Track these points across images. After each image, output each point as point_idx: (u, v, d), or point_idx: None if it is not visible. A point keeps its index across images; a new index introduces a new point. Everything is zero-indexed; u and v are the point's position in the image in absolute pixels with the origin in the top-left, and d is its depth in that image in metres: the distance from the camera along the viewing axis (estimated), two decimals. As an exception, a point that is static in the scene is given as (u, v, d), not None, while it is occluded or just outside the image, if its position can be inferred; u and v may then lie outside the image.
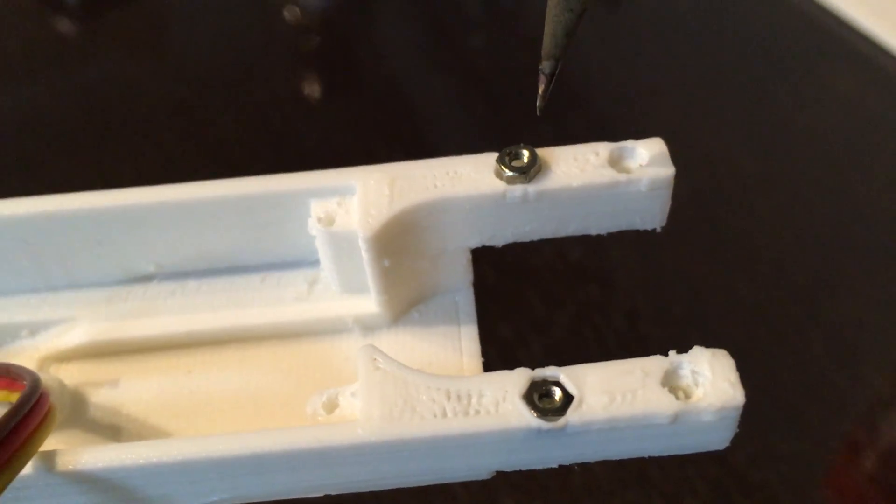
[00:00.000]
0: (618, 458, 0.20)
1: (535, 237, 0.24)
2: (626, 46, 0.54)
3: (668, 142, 0.23)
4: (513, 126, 0.50)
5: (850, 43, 0.53)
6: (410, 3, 0.60)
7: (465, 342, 0.24)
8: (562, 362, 0.20)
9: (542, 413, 0.19)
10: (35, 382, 0.20)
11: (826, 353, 0.38)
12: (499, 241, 0.24)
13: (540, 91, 0.21)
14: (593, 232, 0.23)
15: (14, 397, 0.22)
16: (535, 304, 0.42)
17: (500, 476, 0.21)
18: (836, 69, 0.52)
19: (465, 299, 0.25)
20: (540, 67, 0.21)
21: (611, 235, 0.25)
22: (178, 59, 0.56)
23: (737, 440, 0.20)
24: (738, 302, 0.41)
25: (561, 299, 0.42)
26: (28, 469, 0.19)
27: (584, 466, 0.38)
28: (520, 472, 0.21)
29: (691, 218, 0.44)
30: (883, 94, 0.50)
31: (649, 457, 0.20)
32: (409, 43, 0.57)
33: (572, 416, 0.19)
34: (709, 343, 0.20)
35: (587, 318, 0.41)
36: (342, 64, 0.56)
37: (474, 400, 0.19)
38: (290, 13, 0.58)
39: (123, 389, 0.24)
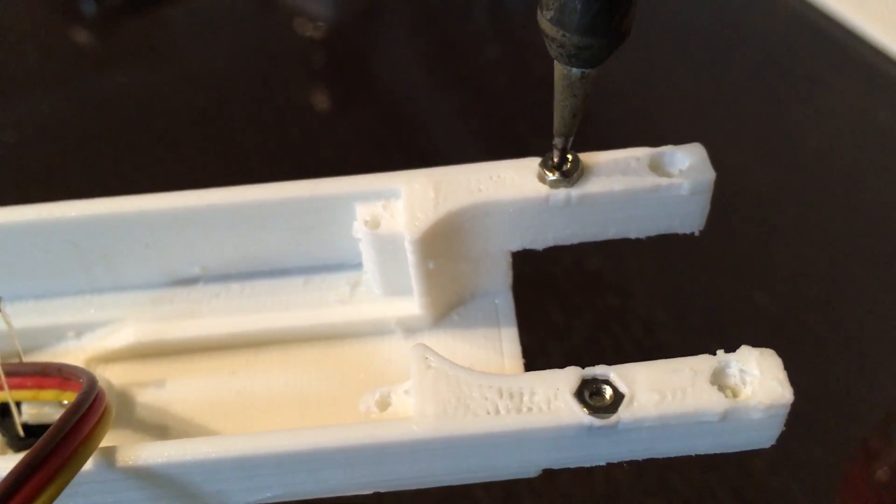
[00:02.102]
0: (665, 455, 0.20)
1: (576, 240, 0.24)
2: (640, 59, 0.55)
3: None
4: (521, 137, 0.50)
5: (862, 55, 0.54)
6: (420, 16, 0.61)
7: (506, 344, 0.24)
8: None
9: (594, 410, 0.19)
10: (92, 381, 0.21)
11: (843, 360, 0.39)
12: (539, 244, 0.24)
13: (555, 160, 0.23)
14: (632, 235, 0.24)
15: (66, 396, 0.23)
16: (554, 312, 0.42)
17: (521, 481, 0.21)
18: (848, 81, 0.53)
19: (505, 301, 0.25)
20: (553, 143, 0.22)
21: (628, 245, 0.25)
22: (195, 68, 0.56)
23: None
24: (755, 311, 0.41)
25: (579, 307, 0.42)
26: (87, 465, 0.19)
27: (606, 473, 0.38)
28: (541, 477, 0.21)
29: (707, 228, 0.44)
30: (894, 105, 0.51)
31: (673, 459, 0.21)
32: (418, 55, 0.58)
33: (624, 413, 0.19)
34: (727, 350, 0.20)
35: (605, 326, 0.42)
36: (353, 76, 0.56)
37: (526, 397, 0.20)
38: (302, 26, 0.58)
39: (169, 389, 0.24)
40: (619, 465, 0.21)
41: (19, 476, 0.18)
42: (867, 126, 0.50)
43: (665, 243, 0.25)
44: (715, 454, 0.21)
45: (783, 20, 0.58)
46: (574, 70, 0.21)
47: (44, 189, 0.48)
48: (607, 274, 0.43)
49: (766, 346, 0.20)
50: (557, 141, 0.22)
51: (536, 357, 0.40)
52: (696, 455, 0.20)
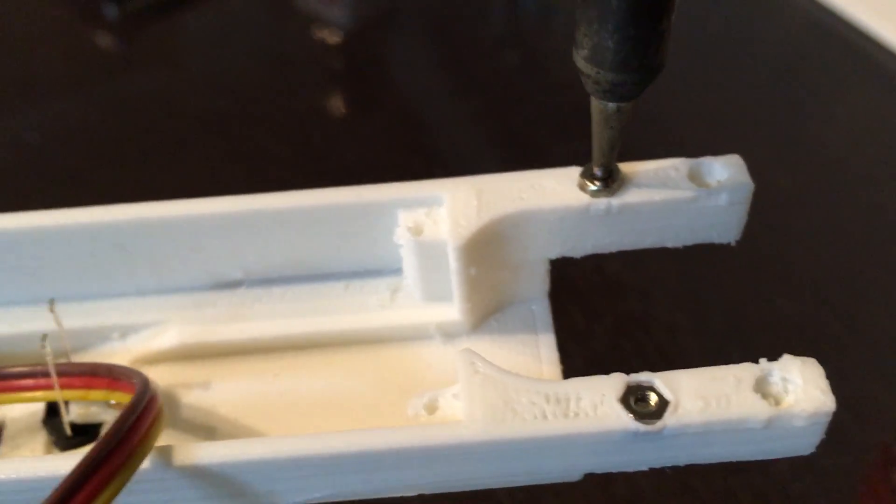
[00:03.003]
0: (706, 461, 0.21)
1: (614, 249, 0.24)
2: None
3: None
4: (539, 141, 0.51)
5: (881, 61, 0.54)
6: (436, 23, 0.61)
7: (544, 350, 0.25)
8: (604, 372, 0.21)
9: (640, 416, 0.20)
10: (145, 382, 0.21)
11: (864, 366, 0.39)
12: (578, 252, 0.25)
13: (595, 187, 0.23)
14: (669, 245, 0.24)
15: (115, 396, 0.23)
16: (576, 315, 0.43)
17: (545, 485, 0.22)
18: (867, 86, 0.54)
19: (542, 308, 0.26)
20: (593, 172, 0.23)
21: (649, 249, 0.26)
22: (215, 72, 0.57)
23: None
24: (776, 316, 0.42)
25: (600, 311, 0.43)
26: (144, 464, 0.20)
27: (628, 475, 0.39)
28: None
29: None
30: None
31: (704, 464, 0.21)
32: (436, 60, 0.58)
33: (670, 419, 0.19)
34: (748, 355, 0.21)
35: (627, 330, 0.42)
36: (371, 81, 0.57)
37: (573, 403, 0.20)
38: (319, 31, 0.59)
39: (213, 391, 0.25)
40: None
41: (82, 473, 0.18)
42: (887, 131, 0.51)
43: (686, 247, 0.26)
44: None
45: (801, 26, 0.58)
46: (610, 104, 0.21)
47: (66, 190, 0.49)
48: (628, 278, 0.44)
49: (788, 352, 0.21)
50: (597, 170, 0.23)
51: (560, 361, 0.41)
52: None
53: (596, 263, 0.25)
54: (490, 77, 0.56)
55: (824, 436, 0.21)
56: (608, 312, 0.43)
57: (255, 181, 0.49)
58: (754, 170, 0.24)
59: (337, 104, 0.55)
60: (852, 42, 0.56)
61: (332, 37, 0.59)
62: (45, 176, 0.50)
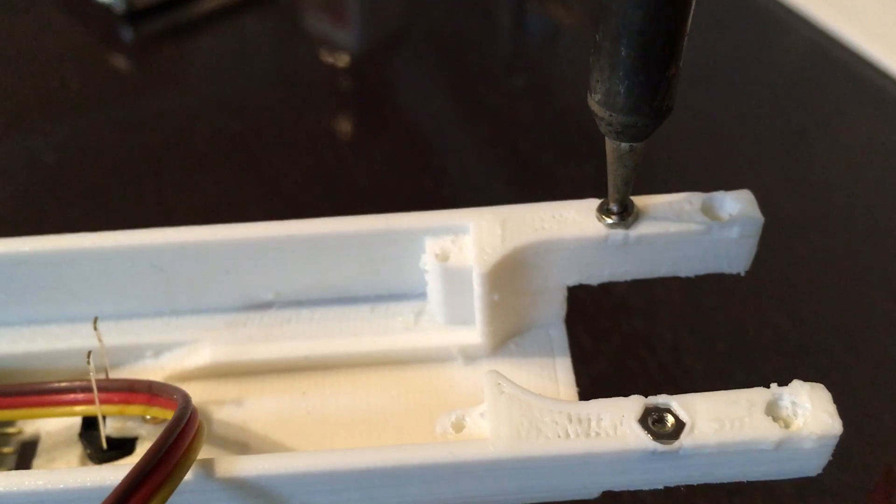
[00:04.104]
0: (719, 481, 0.22)
1: (629, 277, 0.26)
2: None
3: (710, 186, 0.26)
4: (547, 165, 0.52)
5: (883, 89, 0.56)
6: (444, 45, 0.63)
7: (561, 373, 0.26)
8: (610, 393, 0.22)
9: (658, 437, 0.21)
10: (187, 398, 0.22)
11: (867, 388, 0.41)
12: (595, 279, 0.26)
13: (611, 221, 0.25)
14: (682, 274, 0.26)
15: (152, 412, 0.24)
16: (582, 336, 0.44)
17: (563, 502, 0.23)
18: (867, 112, 0.55)
19: (559, 333, 0.27)
20: (609, 207, 0.25)
21: None
22: (228, 94, 0.58)
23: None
24: (781, 339, 0.43)
25: (606, 331, 0.44)
26: (187, 476, 0.21)
27: (634, 494, 0.40)
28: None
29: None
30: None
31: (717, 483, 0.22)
32: (444, 85, 0.59)
33: (686, 440, 0.21)
34: (752, 377, 0.22)
35: (632, 350, 0.43)
36: (380, 104, 0.58)
37: (594, 423, 0.21)
38: (330, 55, 0.60)
39: (244, 408, 0.26)
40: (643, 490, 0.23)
41: (132, 483, 0.19)
42: (890, 157, 0.52)
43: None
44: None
45: (803, 53, 0.60)
46: (623, 144, 0.23)
47: (82, 208, 0.50)
48: (635, 300, 0.45)
49: (791, 374, 0.22)
50: (612, 205, 0.24)
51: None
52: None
53: (604, 285, 0.26)
54: (497, 100, 0.57)
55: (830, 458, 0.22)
56: (615, 333, 0.44)
57: (268, 200, 0.50)
58: (760, 195, 0.25)
59: (347, 126, 0.56)
60: (855, 69, 0.57)
61: (341, 60, 0.60)
62: (61, 194, 0.51)
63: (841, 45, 0.59)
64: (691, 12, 0.20)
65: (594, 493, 0.22)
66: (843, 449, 0.38)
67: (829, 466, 0.25)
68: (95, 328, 0.24)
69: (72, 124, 0.55)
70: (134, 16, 0.61)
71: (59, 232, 0.26)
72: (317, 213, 0.26)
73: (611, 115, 0.22)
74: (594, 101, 0.22)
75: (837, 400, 0.21)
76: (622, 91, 0.21)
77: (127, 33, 0.61)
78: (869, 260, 0.47)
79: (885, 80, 0.56)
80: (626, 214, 0.24)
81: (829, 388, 0.21)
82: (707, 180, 0.36)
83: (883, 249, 0.47)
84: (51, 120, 0.56)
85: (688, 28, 0.20)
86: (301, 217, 0.26)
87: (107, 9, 0.61)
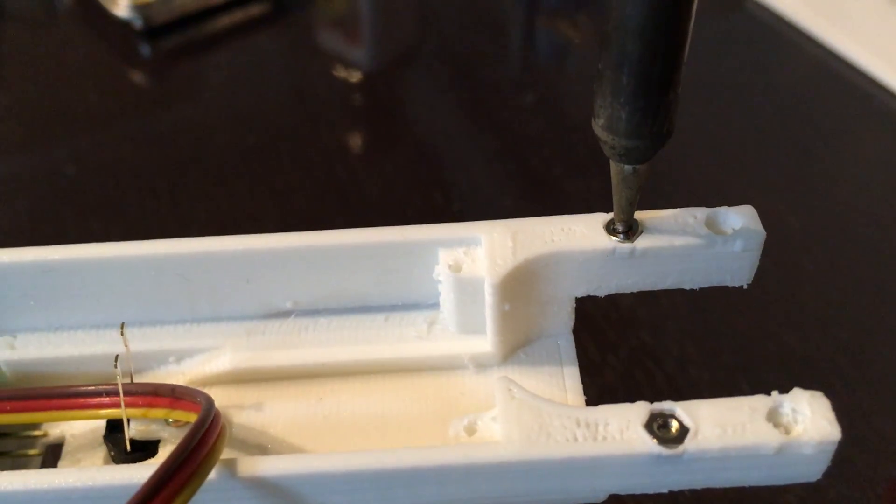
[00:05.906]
0: (722, 485, 0.23)
1: (636, 289, 0.27)
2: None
3: (715, 202, 0.27)
4: (556, 179, 0.53)
5: (886, 105, 0.57)
6: (454, 62, 0.64)
7: (569, 381, 0.27)
8: (617, 402, 0.23)
9: (662, 441, 0.22)
10: (210, 400, 0.23)
11: (871, 401, 0.41)
12: (602, 291, 0.27)
13: (618, 240, 0.26)
14: (687, 286, 0.27)
15: (175, 415, 0.25)
16: (589, 347, 0.45)
17: None
18: (872, 130, 0.56)
19: (567, 343, 0.28)
20: (614, 227, 0.26)
21: None
22: (243, 108, 0.59)
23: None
24: (785, 352, 0.44)
25: (614, 343, 0.45)
26: (211, 475, 0.22)
27: (637, 500, 0.41)
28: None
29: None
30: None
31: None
32: (453, 100, 0.61)
33: (690, 444, 0.21)
34: (756, 388, 0.23)
35: (639, 362, 0.44)
36: (391, 118, 0.59)
37: (601, 427, 0.22)
38: (343, 71, 0.61)
39: (263, 412, 0.27)
40: (648, 496, 0.24)
41: (159, 481, 0.20)
42: (891, 172, 0.53)
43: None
44: (746, 490, 0.23)
45: (807, 70, 0.61)
46: (626, 167, 0.24)
47: (100, 219, 0.51)
48: (641, 312, 0.46)
49: (796, 386, 0.23)
50: (618, 225, 0.25)
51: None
52: (731, 489, 0.23)
53: (611, 298, 0.27)
54: (507, 116, 0.59)
55: (831, 466, 0.23)
56: (622, 345, 0.45)
57: (281, 213, 0.51)
58: (764, 210, 0.26)
59: (359, 141, 0.58)
60: (859, 86, 0.58)
61: (354, 76, 0.61)
62: (80, 206, 0.52)
63: (845, 62, 0.60)
64: (688, 43, 0.21)
65: (601, 495, 0.23)
66: (848, 462, 0.39)
67: (833, 480, 0.26)
68: (122, 333, 0.25)
69: (91, 137, 0.57)
70: (152, 32, 0.63)
71: (79, 242, 0.27)
72: (329, 226, 0.27)
73: (614, 139, 0.23)
74: (598, 126, 0.23)
75: (841, 413, 0.22)
76: (624, 116, 0.22)
77: (145, 49, 0.63)
78: (873, 274, 0.48)
79: (889, 97, 0.57)
80: (630, 233, 0.25)
81: (832, 400, 0.22)
82: (713, 196, 0.37)
83: (887, 264, 0.48)
84: (71, 133, 0.57)
85: (685, 57, 0.22)
86: (313, 229, 0.27)
87: (125, 25, 0.62)
